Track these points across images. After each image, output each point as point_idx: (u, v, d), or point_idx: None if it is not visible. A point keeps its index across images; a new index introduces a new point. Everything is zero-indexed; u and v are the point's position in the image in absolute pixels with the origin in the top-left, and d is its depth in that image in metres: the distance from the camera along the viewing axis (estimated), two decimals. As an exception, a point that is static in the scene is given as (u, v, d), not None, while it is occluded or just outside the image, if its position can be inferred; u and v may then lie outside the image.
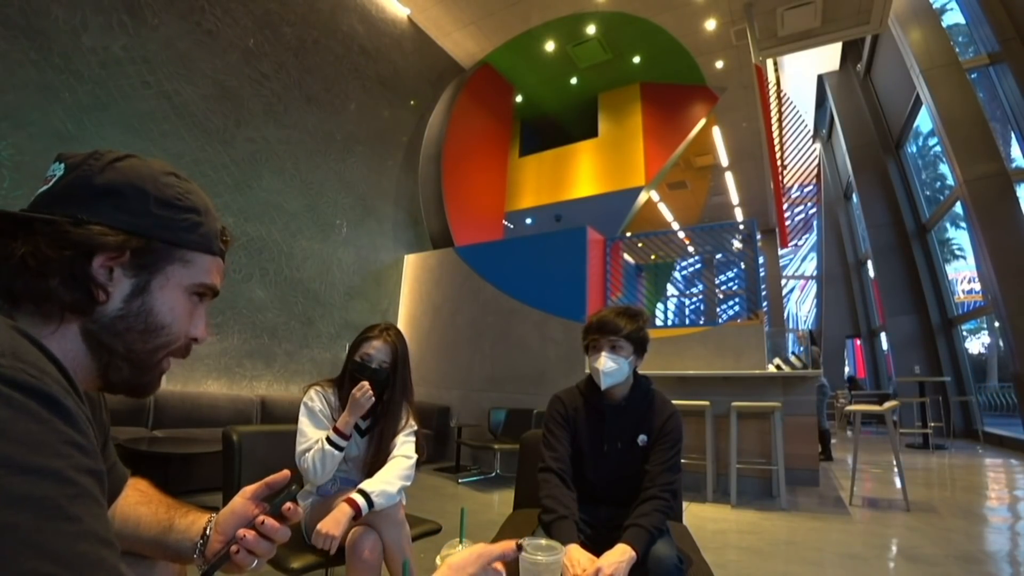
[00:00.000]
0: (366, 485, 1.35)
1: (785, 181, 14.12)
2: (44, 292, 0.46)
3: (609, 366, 1.33)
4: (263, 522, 0.62)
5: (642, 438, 1.38)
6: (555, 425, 1.41)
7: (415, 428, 1.59)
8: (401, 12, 6.81)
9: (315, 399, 1.51)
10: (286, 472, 0.67)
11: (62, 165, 0.51)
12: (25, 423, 0.31)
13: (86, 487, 0.32)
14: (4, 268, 0.45)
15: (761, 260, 5.32)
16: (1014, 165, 7.33)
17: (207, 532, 0.66)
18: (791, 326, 17.20)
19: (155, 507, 0.68)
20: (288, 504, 0.64)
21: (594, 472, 1.39)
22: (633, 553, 1.12)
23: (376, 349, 1.54)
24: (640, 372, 1.44)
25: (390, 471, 1.42)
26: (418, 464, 1.54)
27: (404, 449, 1.51)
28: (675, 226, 12.08)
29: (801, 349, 6.26)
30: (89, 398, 0.60)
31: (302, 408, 1.50)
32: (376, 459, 1.48)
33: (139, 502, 0.68)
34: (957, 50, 7.75)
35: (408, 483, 1.45)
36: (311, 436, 1.45)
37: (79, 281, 0.47)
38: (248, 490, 0.67)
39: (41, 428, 0.31)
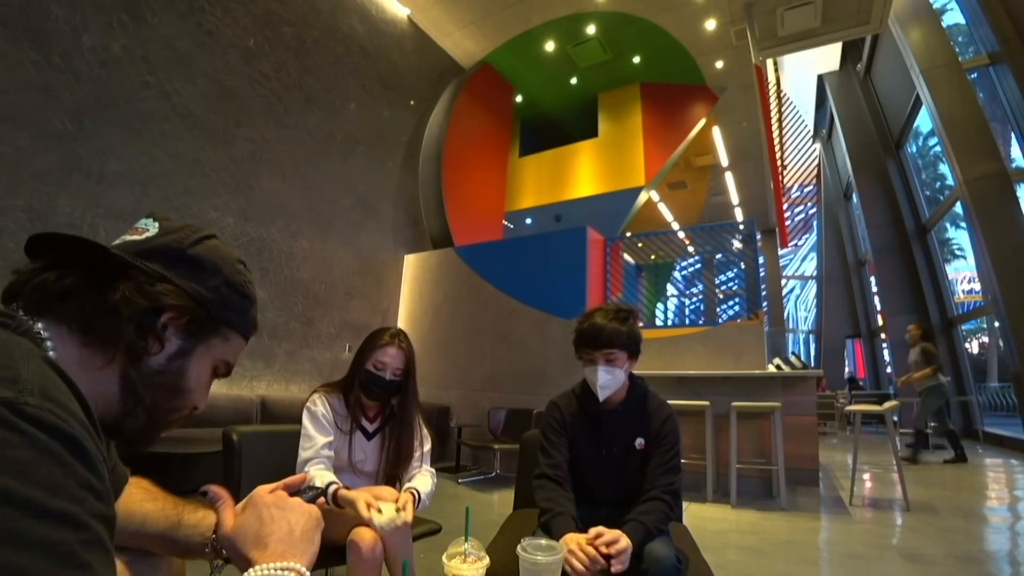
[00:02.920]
0: (419, 487, 1.43)
1: (785, 181, 14.11)
2: (118, 333, 0.50)
3: (605, 379, 1.33)
4: None
5: (639, 441, 1.37)
6: (552, 432, 1.41)
7: (429, 438, 1.60)
8: (401, 12, 6.81)
9: (318, 403, 1.51)
10: (304, 475, 0.72)
11: (156, 224, 0.57)
12: (48, 466, 0.31)
13: (98, 533, 0.33)
14: (98, 303, 0.49)
15: (761, 260, 5.32)
16: (1014, 165, 7.33)
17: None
18: (791, 326, 17.20)
19: (161, 504, 0.69)
20: (322, 499, 0.68)
21: (593, 476, 1.39)
22: (629, 543, 1.11)
23: (391, 357, 1.51)
24: (639, 373, 1.44)
25: (428, 484, 1.49)
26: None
27: (427, 464, 1.57)
28: (675, 226, 12.08)
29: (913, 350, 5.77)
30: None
31: (305, 412, 1.50)
32: (395, 469, 1.49)
33: (145, 499, 0.69)
34: (957, 50, 7.74)
35: None
36: (316, 441, 1.45)
37: (145, 330, 0.51)
38: (265, 489, 0.70)
39: (63, 471, 0.32)
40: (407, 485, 1.46)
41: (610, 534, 1.09)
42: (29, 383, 0.33)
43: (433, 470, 1.56)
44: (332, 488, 1.34)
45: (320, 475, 1.38)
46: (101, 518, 0.34)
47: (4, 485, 0.29)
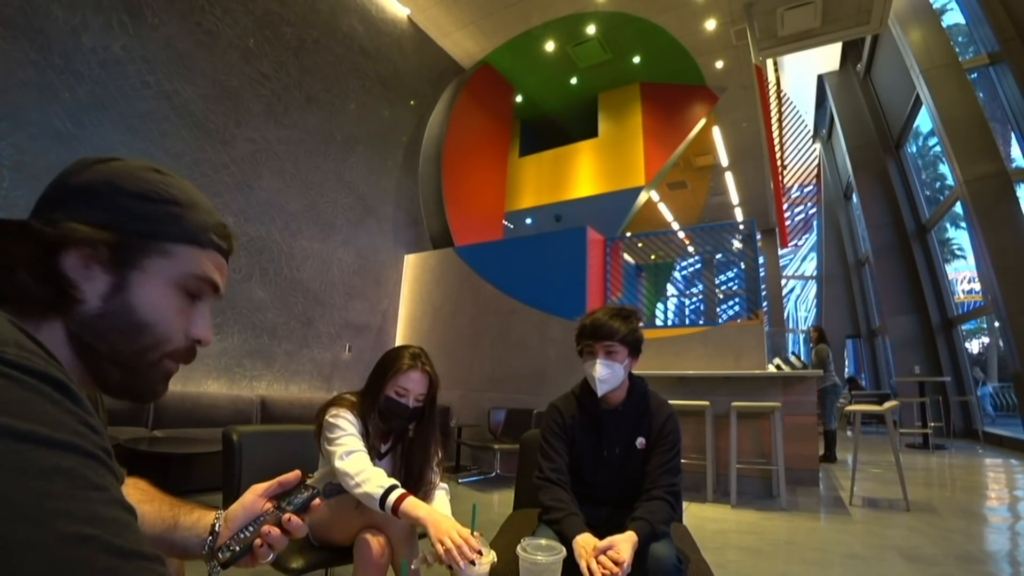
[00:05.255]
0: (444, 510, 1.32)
1: (785, 181, 14.11)
2: (18, 288, 0.45)
3: (604, 373, 1.33)
4: (289, 519, 0.65)
5: (640, 440, 1.38)
6: (552, 436, 1.40)
7: (440, 453, 1.51)
8: (401, 12, 6.81)
9: (347, 416, 1.38)
10: (298, 472, 0.70)
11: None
12: (41, 404, 0.31)
13: (105, 462, 0.33)
14: None
15: (761, 260, 5.33)
16: (1014, 165, 7.33)
17: (216, 528, 0.67)
18: (791, 326, 17.19)
19: (158, 505, 0.69)
20: (318, 500, 0.68)
21: (594, 476, 1.39)
22: (637, 540, 1.13)
23: (415, 382, 1.40)
24: (638, 372, 1.44)
25: (446, 508, 1.40)
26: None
27: (438, 476, 1.48)
28: (675, 226, 12.08)
29: (808, 348, 6.28)
30: (87, 398, 0.61)
31: (335, 421, 1.36)
32: (407, 487, 1.35)
33: (141, 500, 0.69)
34: (957, 50, 7.75)
35: None
36: (356, 436, 1.34)
37: (49, 277, 0.46)
38: (260, 487, 0.70)
39: (56, 409, 0.32)
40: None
41: (618, 553, 1.08)
42: (3, 336, 0.33)
43: (446, 486, 1.49)
44: (396, 495, 1.20)
45: (376, 474, 1.26)
46: (103, 450, 0.34)
47: (3, 423, 0.28)
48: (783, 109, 12.10)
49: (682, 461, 1.43)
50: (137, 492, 0.70)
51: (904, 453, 6.41)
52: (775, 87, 10.09)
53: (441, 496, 1.46)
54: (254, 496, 0.69)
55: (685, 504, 3.47)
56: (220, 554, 0.64)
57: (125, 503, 0.33)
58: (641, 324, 1.42)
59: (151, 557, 0.32)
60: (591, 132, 8.31)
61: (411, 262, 6.43)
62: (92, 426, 0.34)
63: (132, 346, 0.49)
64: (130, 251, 0.49)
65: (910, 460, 5.87)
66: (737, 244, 5.64)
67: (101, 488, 0.31)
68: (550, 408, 1.46)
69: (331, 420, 1.36)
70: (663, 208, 11.59)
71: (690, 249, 6.48)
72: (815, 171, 15.73)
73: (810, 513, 3.30)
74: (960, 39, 8.63)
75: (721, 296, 8.20)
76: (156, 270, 0.50)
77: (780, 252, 14.79)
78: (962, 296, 10.57)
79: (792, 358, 4.66)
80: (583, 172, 8.14)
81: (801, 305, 19.19)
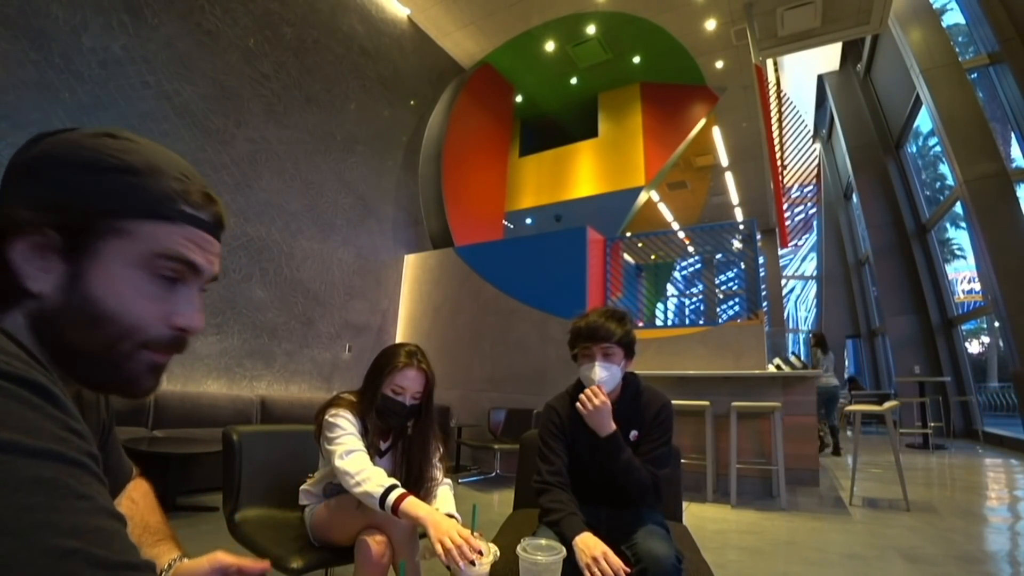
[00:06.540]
0: (451, 510, 1.33)
1: (785, 181, 14.10)
2: None
3: (603, 375, 1.33)
4: None
5: (633, 433, 1.39)
6: (550, 437, 1.40)
7: (441, 448, 1.52)
8: (401, 12, 6.81)
9: (347, 415, 1.38)
10: (266, 564, 0.64)
11: None
12: (21, 410, 0.30)
13: (91, 467, 0.32)
14: None
15: (761, 260, 5.32)
16: (1014, 165, 7.33)
17: None
18: (791, 326, 17.19)
19: (132, 525, 0.65)
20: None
21: (593, 476, 1.40)
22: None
23: (411, 380, 1.42)
24: (639, 372, 1.45)
25: (451, 504, 1.40)
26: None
27: (445, 480, 1.48)
28: (675, 226, 12.08)
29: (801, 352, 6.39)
30: (82, 395, 0.59)
31: (334, 421, 1.36)
32: (409, 487, 1.36)
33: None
34: (957, 50, 7.75)
35: None
36: (356, 435, 1.35)
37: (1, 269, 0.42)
38: (224, 559, 0.62)
39: (37, 415, 0.31)
40: (435, 505, 1.38)
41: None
42: None
43: (449, 482, 1.50)
44: (396, 494, 1.21)
45: (376, 474, 1.27)
46: (88, 455, 0.33)
47: None
48: (783, 109, 12.10)
49: (682, 461, 1.43)
50: (127, 503, 0.69)
51: (904, 453, 6.41)
52: (775, 87, 10.09)
53: (445, 492, 1.46)
54: (211, 566, 0.62)
55: (685, 504, 3.47)
56: None
57: (112, 510, 0.32)
58: (641, 324, 1.43)
59: (138, 566, 0.32)
60: (591, 132, 8.31)
61: (411, 262, 6.43)
62: (76, 431, 0.33)
63: (98, 340, 0.44)
64: (82, 234, 0.43)
65: (910, 460, 5.87)
66: (737, 244, 5.64)
67: (85, 497, 0.30)
68: (547, 409, 1.47)
69: (330, 420, 1.37)
70: (663, 208, 11.59)
71: (690, 249, 6.47)
72: (815, 171, 15.72)
73: (810, 513, 3.30)
74: (960, 39, 8.63)
75: (721, 296, 8.21)
76: (113, 253, 0.44)
77: (780, 252, 14.79)
78: (962, 296, 10.57)
79: (792, 358, 4.67)
80: (583, 172, 8.14)
81: (801, 305, 19.19)
